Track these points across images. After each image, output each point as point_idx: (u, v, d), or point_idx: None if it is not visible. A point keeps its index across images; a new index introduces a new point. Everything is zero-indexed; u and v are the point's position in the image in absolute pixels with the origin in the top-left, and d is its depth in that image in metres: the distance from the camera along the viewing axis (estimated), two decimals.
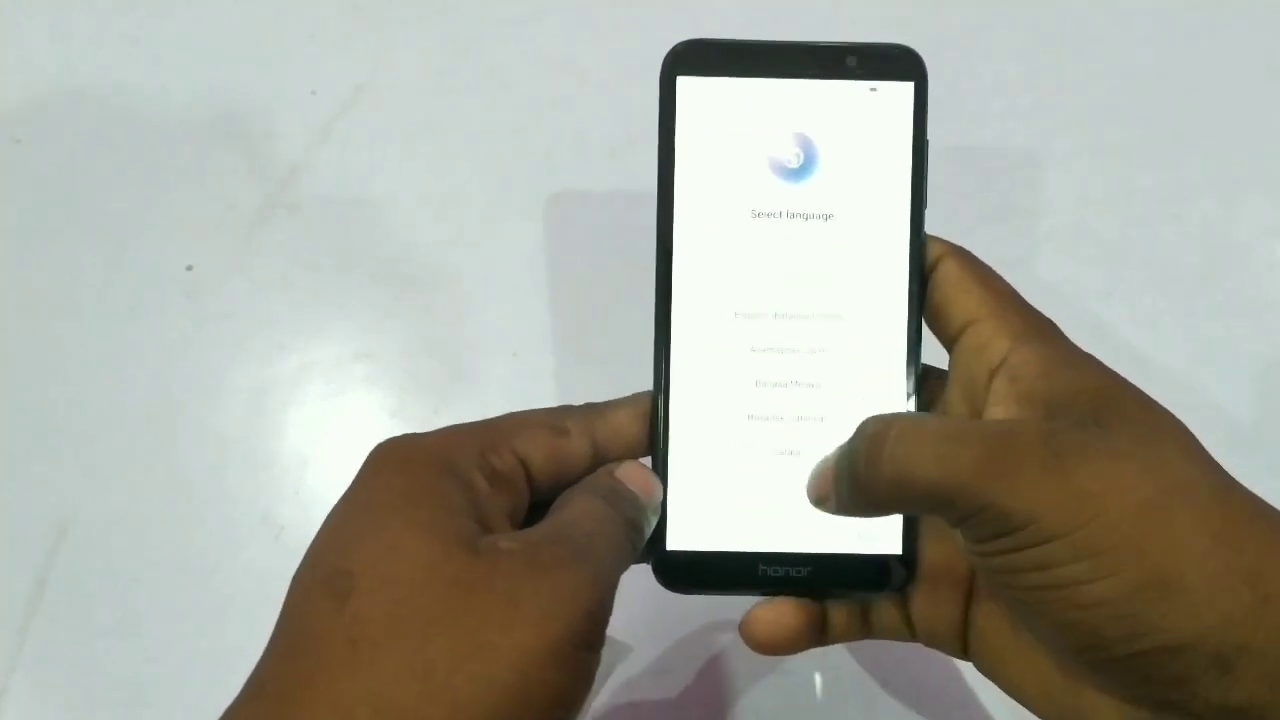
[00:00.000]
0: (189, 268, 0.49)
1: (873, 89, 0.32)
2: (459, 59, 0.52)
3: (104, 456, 0.46)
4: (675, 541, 0.32)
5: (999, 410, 0.29)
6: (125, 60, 0.52)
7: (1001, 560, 0.26)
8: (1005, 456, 0.26)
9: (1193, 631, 0.24)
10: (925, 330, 0.33)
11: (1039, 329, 0.30)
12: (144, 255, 0.49)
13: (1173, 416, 0.28)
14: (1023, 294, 0.32)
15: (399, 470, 0.28)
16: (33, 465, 0.46)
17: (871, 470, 0.27)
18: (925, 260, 0.32)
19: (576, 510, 0.29)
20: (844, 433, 0.31)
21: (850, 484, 0.28)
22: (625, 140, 0.49)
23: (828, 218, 0.32)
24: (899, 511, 0.31)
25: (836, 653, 0.43)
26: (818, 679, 0.43)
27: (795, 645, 0.32)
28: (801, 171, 0.32)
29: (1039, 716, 0.30)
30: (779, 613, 0.32)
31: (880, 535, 0.32)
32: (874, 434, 0.28)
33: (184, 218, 0.49)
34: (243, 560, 0.45)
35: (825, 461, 0.30)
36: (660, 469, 0.32)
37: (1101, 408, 0.28)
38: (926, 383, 0.33)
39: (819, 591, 0.32)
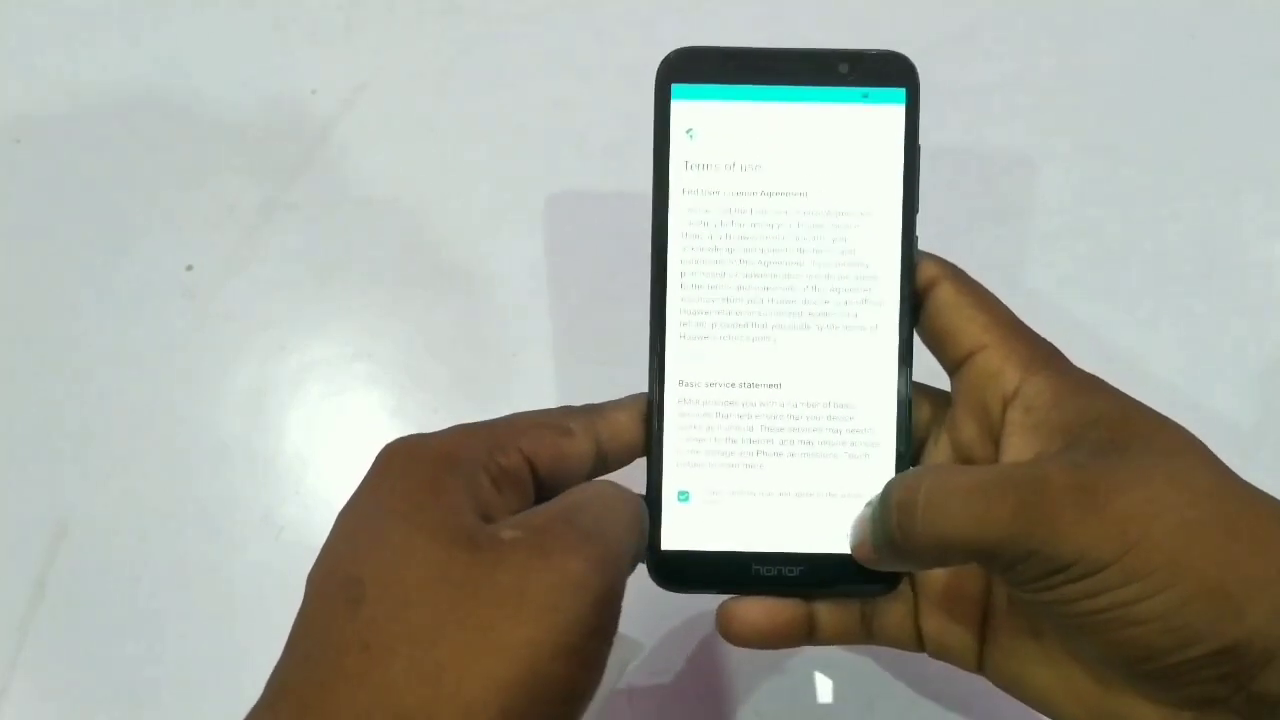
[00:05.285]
0: (189, 268, 0.49)
1: (865, 95, 0.32)
2: (459, 59, 0.52)
3: (104, 456, 0.46)
4: (670, 541, 0.32)
5: (1016, 440, 0.30)
6: (125, 60, 0.52)
7: (1050, 594, 0.27)
8: (1040, 503, 0.26)
9: (1239, 633, 0.26)
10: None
11: (1046, 357, 0.31)
12: (144, 255, 0.49)
13: (1184, 429, 0.29)
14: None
15: (405, 472, 0.28)
16: (33, 465, 0.46)
17: (907, 539, 0.28)
18: (916, 266, 0.32)
19: (585, 493, 0.29)
20: (837, 434, 0.31)
21: (888, 550, 0.29)
22: (625, 140, 0.49)
23: (820, 223, 0.33)
24: (944, 566, 0.32)
25: (836, 653, 0.43)
26: (818, 680, 0.43)
27: (771, 642, 0.32)
28: (794, 177, 0.33)
29: None
30: (750, 608, 0.32)
31: None
32: (901, 501, 0.28)
33: (184, 218, 0.49)
34: (243, 560, 0.45)
35: (858, 522, 0.31)
36: (655, 469, 0.32)
37: (1118, 431, 0.28)
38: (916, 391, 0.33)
39: (811, 591, 0.33)
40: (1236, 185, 0.49)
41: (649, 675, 0.43)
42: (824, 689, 0.43)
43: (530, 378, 0.47)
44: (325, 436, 0.47)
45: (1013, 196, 0.49)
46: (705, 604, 0.33)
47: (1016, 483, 0.27)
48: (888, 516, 0.29)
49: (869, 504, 0.30)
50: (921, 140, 0.33)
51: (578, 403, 0.33)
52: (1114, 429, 0.28)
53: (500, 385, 0.47)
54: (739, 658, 0.43)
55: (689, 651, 0.43)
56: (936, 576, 0.32)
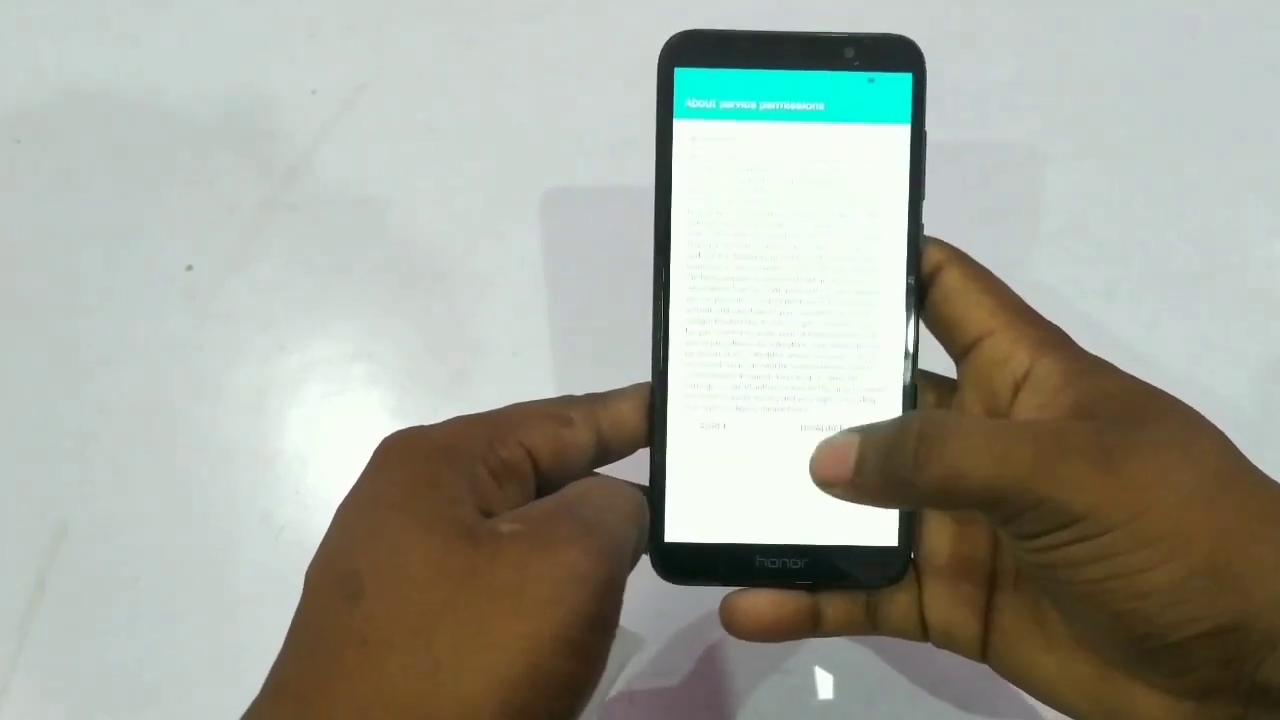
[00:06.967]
0: (189, 268, 0.49)
1: (871, 80, 0.32)
2: (459, 59, 0.52)
3: (104, 456, 0.46)
4: (673, 533, 0.32)
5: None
6: (125, 60, 0.52)
7: (1056, 554, 0.27)
8: (1058, 453, 0.26)
9: (1243, 613, 0.26)
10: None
11: (1056, 340, 0.31)
12: (144, 255, 0.49)
13: (1199, 413, 0.29)
14: (1023, 294, 0.32)
15: (404, 464, 0.28)
16: (32, 465, 0.46)
17: (920, 469, 0.27)
18: (922, 252, 0.32)
19: (584, 486, 0.29)
20: (842, 423, 0.31)
21: (890, 479, 0.28)
22: (625, 140, 0.49)
23: (825, 210, 0.32)
24: (938, 508, 0.31)
25: (836, 651, 0.43)
26: (819, 678, 0.43)
27: (775, 634, 0.32)
28: (799, 162, 0.32)
29: (1073, 716, 0.30)
30: (754, 601, 0.32)
31: (876, 528, 0.32)
32: (924, 433, 0.28)
33: (184, 218, 0.49)
34: (243, 560, 0.45)
35: (839, 444, 0.29)
36: (658, 460, 0.32)
37: (1131, 407, 0.28)
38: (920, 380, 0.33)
39: (815, 583, 0.32)
40: (1236, 185, 0.49)
41: (651, 675, 0.43)
42: (824, 688, 0.43)
43: (530, 377, 0.47)
44: (325, 436, 0.46)
45: (1013, 196, 0.49)
46: (706, 604, 0.33)
47: (1035, 432, 0.27)
48: (904, 445, 0.28)
49: (856, 430, 0.29)
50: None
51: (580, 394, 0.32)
52: (1129, 406, 0.28)
53: (500, 385, 0.47)
54: (740, 657, 0.43)
55: (690, 651, 0.43)
56: (941, 564, 0.32)
